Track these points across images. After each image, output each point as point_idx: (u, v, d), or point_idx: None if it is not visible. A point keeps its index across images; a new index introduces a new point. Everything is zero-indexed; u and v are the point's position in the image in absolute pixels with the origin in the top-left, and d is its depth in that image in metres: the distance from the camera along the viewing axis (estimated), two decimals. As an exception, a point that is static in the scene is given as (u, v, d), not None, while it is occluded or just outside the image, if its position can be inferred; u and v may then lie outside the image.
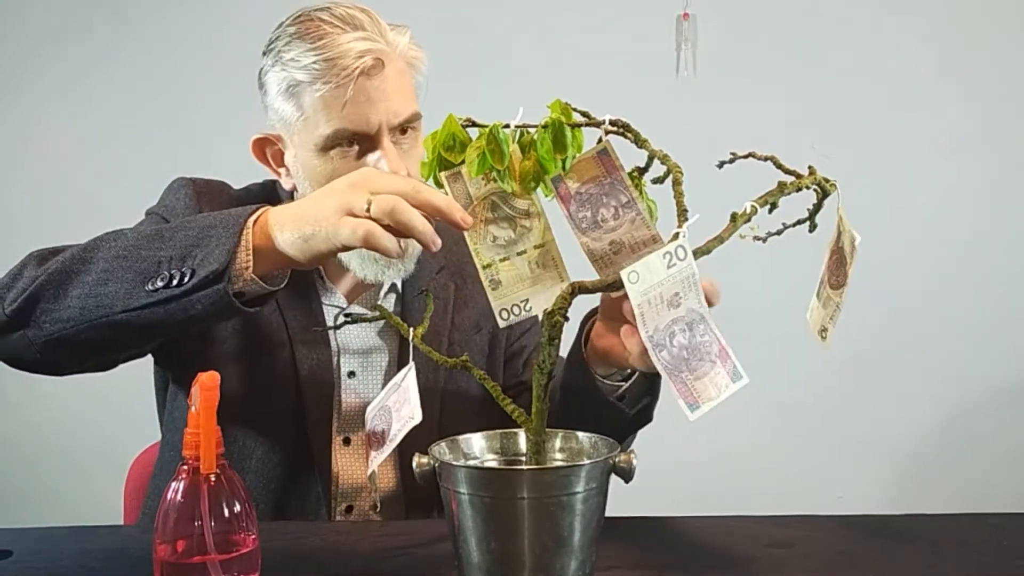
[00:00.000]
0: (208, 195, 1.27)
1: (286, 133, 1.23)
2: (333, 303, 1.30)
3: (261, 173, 1.33)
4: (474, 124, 0.91)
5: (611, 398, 1.10)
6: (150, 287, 0.95)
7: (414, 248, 1.24)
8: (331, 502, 1.26)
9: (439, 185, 0.92)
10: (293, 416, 1.25)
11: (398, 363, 1.29)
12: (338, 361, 1.28)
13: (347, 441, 1.28)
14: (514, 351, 1.40)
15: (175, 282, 0.94)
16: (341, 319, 1.26)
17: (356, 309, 1.30)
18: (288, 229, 0.92)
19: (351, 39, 1.16)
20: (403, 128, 1.20)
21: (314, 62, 1.15)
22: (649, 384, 1.11)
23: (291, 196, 1.29)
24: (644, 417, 1.13)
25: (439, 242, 0.89)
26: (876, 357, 2.52)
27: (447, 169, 0.92)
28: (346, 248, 0.90)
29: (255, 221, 0.95)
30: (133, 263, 0.98)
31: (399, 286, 1.33)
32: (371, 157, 1.17)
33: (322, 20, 1.18)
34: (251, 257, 0.94)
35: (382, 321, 1.27)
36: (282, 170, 1.27)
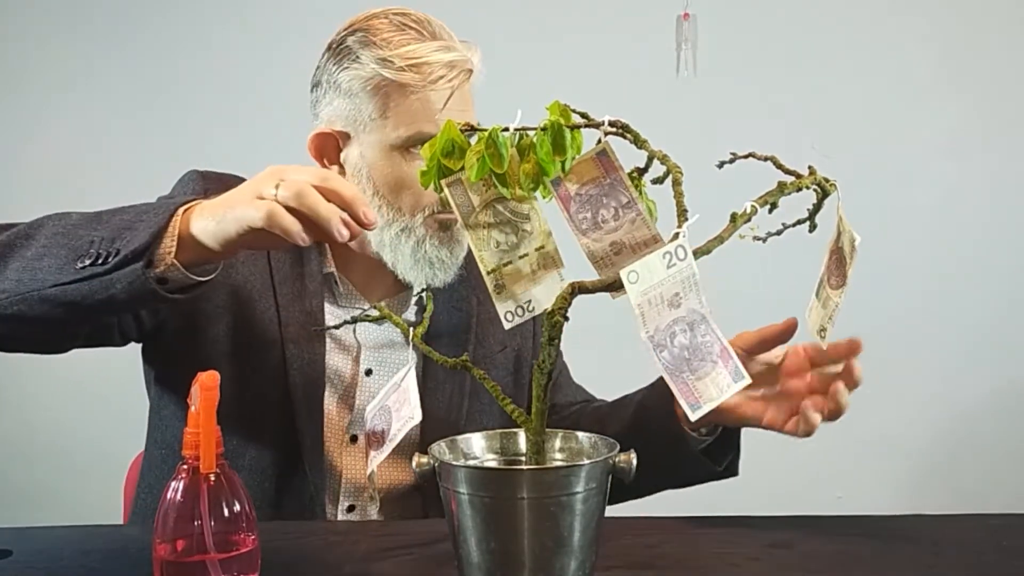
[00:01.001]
0: (216, 188, 1.27)
1: (354, 130, 1.24)
2: (354, 305, 1.30)
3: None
4: (473, 129, 0.91)
5: (696, 450, 1.14)
6: (79, 264, 0.97)
7: (458, 253, 1.25)
8: (335, 500, 1.26)
9: (440, 192, 0.92)
10: (283, 415, 1.24)
11: (419, 361, 1.29)
12: (356, 359, 1.29)
13: (354, 439, 1.28)
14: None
15: (100, 260, 0.96)
16: (359, 332, 1.27)
17: (374, 312, 1.31)
18: (206, 216, 0.95)
19: (439, 47, 1.20)
20: None
21: (411, 64, 1.18)
22: (731, 437, 1.16)
23: None
24: (731, 472, 1.18)
25: (345, 233, 0.91)
26: (876, 357, 2.50)
27: (447, 176, 0.92)
28: (252, 231, 0.92)
29: (186, 210, 0.97)
30: (70, 240, 1.00)
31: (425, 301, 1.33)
32: None
33: (406, 25, 1.21)
34: (175, 243, 0.95)
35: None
36: (334, 167, 1.27)
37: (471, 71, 1.23)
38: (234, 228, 0.93)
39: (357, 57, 1.21)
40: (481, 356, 1.33)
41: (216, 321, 1.23)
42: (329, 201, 0.91)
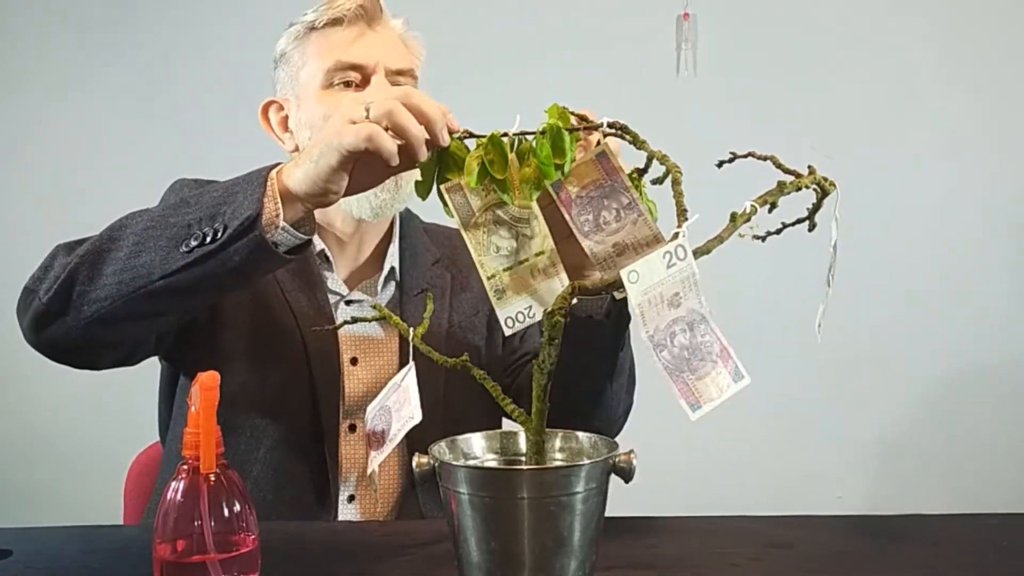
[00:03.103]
0: None
1: (293, 91, 1.30)
2: (334, 289, 1.33)
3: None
4: (471, 135, 0.91)
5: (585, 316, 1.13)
6: (184, 248, 0.97)
7: (407, 183, 1.27)
8: (336, 491, 1.27)
9: (440, 197, 0.92)
10: (305, 404, 1.26)
11: (399, 350, 1.31)
12: (339, 349, 1.30)
13: (352, 428, 1.29)
14: None
15: (208, 239, 0.96)
16: (341, 318, 1.28)
17: (356, 296, 1.33)
18: (301, 164, 0.95)
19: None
20: (397, 84, 1.25)
21: (319, 7, 1.27)
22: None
23: None
24: (623, 327, 1.15)
25: (425, 152, 0.90)
26: (876, 357, 2.52)
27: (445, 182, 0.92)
28: (352, 156, 0.91)
29: (276, 172, 0.98)
30: (163, 231, 1.00)
31: (397, 274, 1.36)
32: (363, 93, 1.24)
33: None
34: (279, 205, 0.95)
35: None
36: (286, 135, 1.33)
37: (375, 10, 1.28)
38: (335, 159, 0.91)
39: (291, 23, 1.31)
40: (458, 322, 1.37)
41: (238, 311, 1.26)
42: (412, 114, 0.91)
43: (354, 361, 1.30)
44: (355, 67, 1.25)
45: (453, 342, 1.33)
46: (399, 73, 1.26)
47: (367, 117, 0.91)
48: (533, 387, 0.86)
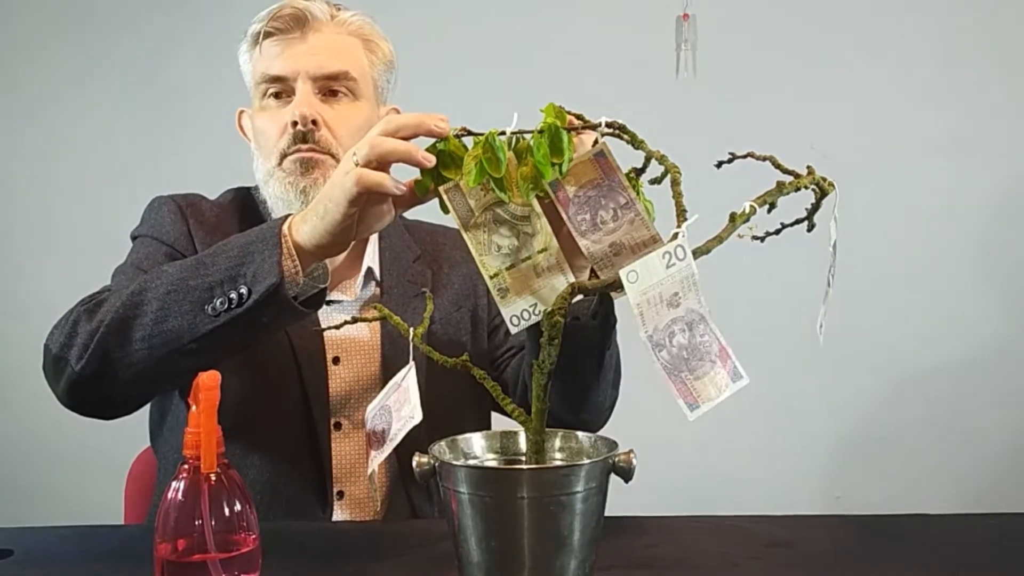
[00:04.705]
0: (190, 207, 1.34)
1: (251, 103, 1.33)
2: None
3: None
4: (470, 133, 0.91)
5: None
6: (210, 311, 1.02)
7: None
8: (327, 488, 1.28)
9: (438, 197, 0.92)
10: (296, 404, 1.27)
11: (381, 347, 1.32)
12: (322, 348, 1.30)
13: (338, 426, 1.30)
14: (497, 323, 1.44)
15: (235, 303, 1.01)
16: (324, 318, 1.29)
17: (335, 296, 1.33)
18: (308, 220, 1.00)
19: (280, 4, 1.27)
20: (332, 90, 1.26)
21: (259, 17, 1.28)
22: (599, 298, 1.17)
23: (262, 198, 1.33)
24: (608, 330, 1.17)
25: (431, 158, 0.93)
26: (876, 356, 2.52)
27: (443, 183, 0.92)
28: (354, 204, 0.96)
29: (288, 227, 1.02)
30: (186, 295, 1.03)
31: (376, 273, 1.36)
32: (288, 108, 1.25)
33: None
34: (297, 263, 1.01)
35: (357, 307, 1.34)
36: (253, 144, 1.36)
37: (305, 17, 1.26)
38: (340, 210, 0.96)
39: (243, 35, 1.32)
40: (439, 318, 1.38)
41: None
42: (403, 139, 0.95)
43: (336, 361, 1.31)
44: (277, 79, 1.26)
45: (434, 339, 1.33)
46: (329, 78, 1.26)
47: (357, 164, 0.95)
48: (533, 387, 0.87)
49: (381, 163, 0.95)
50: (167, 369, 1.07)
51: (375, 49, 1.32)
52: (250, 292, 1.00)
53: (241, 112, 1.38)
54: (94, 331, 1.06)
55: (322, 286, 1.06)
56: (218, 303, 1.01)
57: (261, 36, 1.26)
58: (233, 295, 1.01)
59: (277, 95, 1.27)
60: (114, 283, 1.24)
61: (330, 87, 1.26)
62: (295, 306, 1.01)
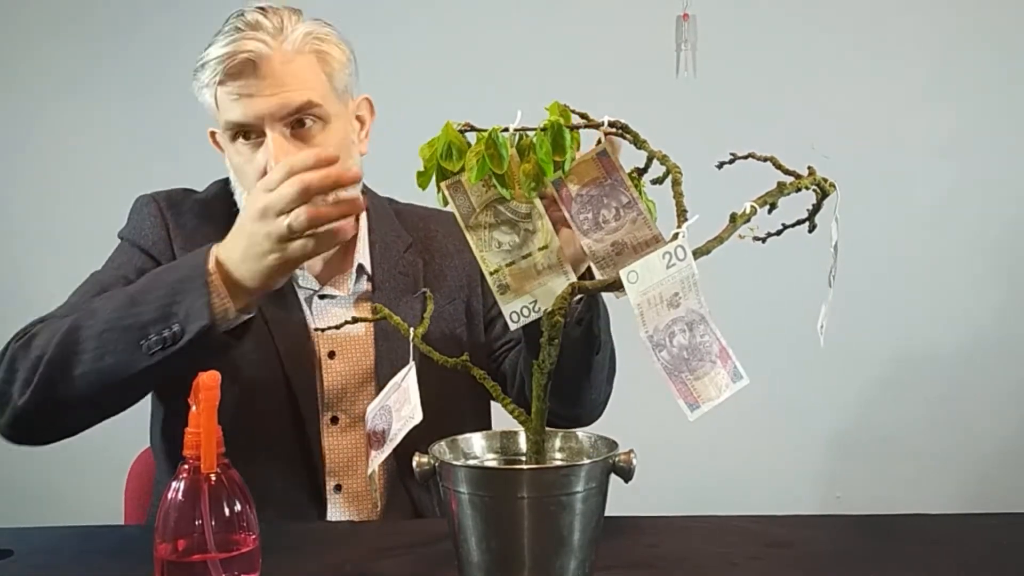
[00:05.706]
0: (172, 208, 1.34)
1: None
2: (306, 285, 1.33)
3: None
4: (472, 129, 0.91)
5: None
6: (145, 349, 1.06)
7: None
8: (324, 483, 1.28)
9: (440, 194, 0.92)
10: (284, 402, 1.27)
11: (375, 341, 1.32)
12: (317, 343, 1.31)
13: (335, 420, 1.30)
14: (494, 315, 1.43)
15: (169, 343, 1.05)
16: (315, 313, 1.31)
17: (328, 291, 1.33)
18: (246, 258, 1.05)
19: (224, 43, 1.22)
20: (299, 120, 1.23)
21: (199, 67, 1.25)
22: (586, 304, 1.19)
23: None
24: (592, 337, 1.20)
25: (361, 204, 1.07)
26: (876, 356, 2.52)
27: (446, 178, 0.92)
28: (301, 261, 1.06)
29: (214, 264, 1.06)
30: (120, 334, 1.07)
31: (368, 267, 1.36)
32: (262, 149, 1.23)
33: (226, 24, 1.26)
34: (226, 301, 1.05)
35: (352, 301, 1.34)
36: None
37: (253, 61, 1.21)
38: (286, 269, 1.06)
39: (197, 63, 1.27)
40: (434, 311, 1.36)
41: None
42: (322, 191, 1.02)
43: (331, 355, 1.31)
44: (243, 125, 1.23)
45: (428, 333, 1.31)
46: (294, 113, 1.22)
47: (292, 233, 1.02)
48: (533, 386, 0.87)
49: (319, 221, 1.02)
50: (111, 399, 1.13)
51: (329, 59, 1.27)
52: (183, 331, 1.04)
53: (213, 132, 1.33)
54: (35, 366, 1.10)
55: (251, 314, 1.09)
56: (153, 340, 1.05)
57: (216, 84, 1.22)
58: (167, 333, 1.05)
59: (247, 135, 1.24)
60: (74, 296, 1.25)
61: (298, 118, 1.23)
62: (227, 341, 1.07)
